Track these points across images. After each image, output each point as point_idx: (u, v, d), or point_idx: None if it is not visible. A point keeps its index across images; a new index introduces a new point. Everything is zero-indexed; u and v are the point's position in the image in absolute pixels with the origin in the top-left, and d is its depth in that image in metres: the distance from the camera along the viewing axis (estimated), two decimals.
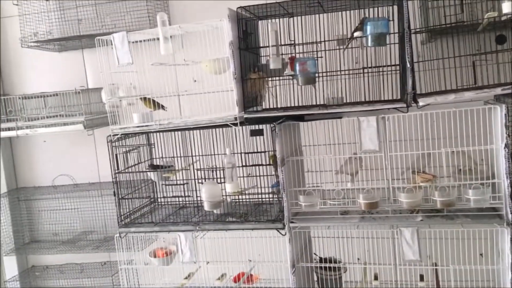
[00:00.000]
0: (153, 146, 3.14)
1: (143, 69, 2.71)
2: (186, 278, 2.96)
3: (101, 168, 3.77)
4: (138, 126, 2.70)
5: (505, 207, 2.26)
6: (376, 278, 2.61)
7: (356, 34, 2.47)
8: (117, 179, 2.82)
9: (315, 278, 2.85)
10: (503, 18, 2.25)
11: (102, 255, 3.69)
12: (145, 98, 2.77)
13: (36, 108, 3.54)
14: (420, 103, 2.26)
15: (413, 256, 2.41)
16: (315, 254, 2.96)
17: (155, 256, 2.86)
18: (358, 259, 2.75)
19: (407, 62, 2.26)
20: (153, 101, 2.79)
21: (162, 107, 2.82)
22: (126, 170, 2.88)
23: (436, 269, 2.56)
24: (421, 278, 2.54)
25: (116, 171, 2.81)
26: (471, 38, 2.63)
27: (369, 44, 2.35)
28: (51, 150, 3.86)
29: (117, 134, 2.76)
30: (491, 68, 2.54)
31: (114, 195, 2.81)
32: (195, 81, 3.04)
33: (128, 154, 2.93)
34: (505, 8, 2.11)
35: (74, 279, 3.77)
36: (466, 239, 2.43)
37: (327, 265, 2.72)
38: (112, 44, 2.64)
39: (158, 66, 2.72)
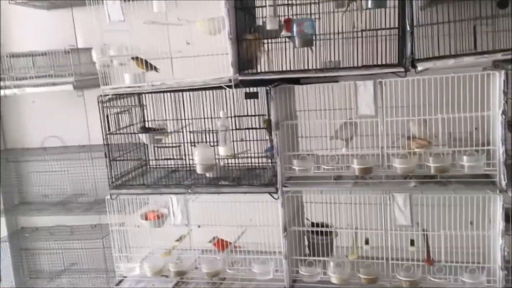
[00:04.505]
0: (145, 108, 3.08)
1: (135, 28, 2.63)
2: (177, 240, 2.96)
3: (92, 130, 3.72)
4: (129, 87, 2.64)
5: (499, 174, 2.26)
6: (367, 242, 2.62)
7: None
8: (108, 141, 2.77)
9: (306, 243, 2.86)
10: None
11: (92, 218, 3.67)
12: (137, 58, 2.70)
13: (24, 67, 3.43)
14: (419, 68, 2.22)
15: (405, 221, 2.43)
16: (307, 219, 2.96)
17: (146, 219, 2.84)
18: (349, 225, 2.76)
19: (407, 25, 2.21)
20: (145, 61, 2.72)
21: (155, 68, 2.76)
22: (118, 132, 2.83)
23: (426, 235, 2.58)
24: (412, 243, 2.56)
25: (108, 132, 2.76)
26: (471, 4, 2.58)
27: (369, 5, 2.29)
28: (40, 111, 3.79)
29: (108, 95, 2.70)
30: (491, 34, 2.49)
31: (105, 156, 2.77)
32: (188, 43, 2.96)
33: (120, 115, 2.87)
34: None
35: (64, 241, 3.76)
36: (458, 205, 2.43)
37: (319, 229, 2.73)
38: (102, 2, 2.55)
39: (150, 25, 2.64)
